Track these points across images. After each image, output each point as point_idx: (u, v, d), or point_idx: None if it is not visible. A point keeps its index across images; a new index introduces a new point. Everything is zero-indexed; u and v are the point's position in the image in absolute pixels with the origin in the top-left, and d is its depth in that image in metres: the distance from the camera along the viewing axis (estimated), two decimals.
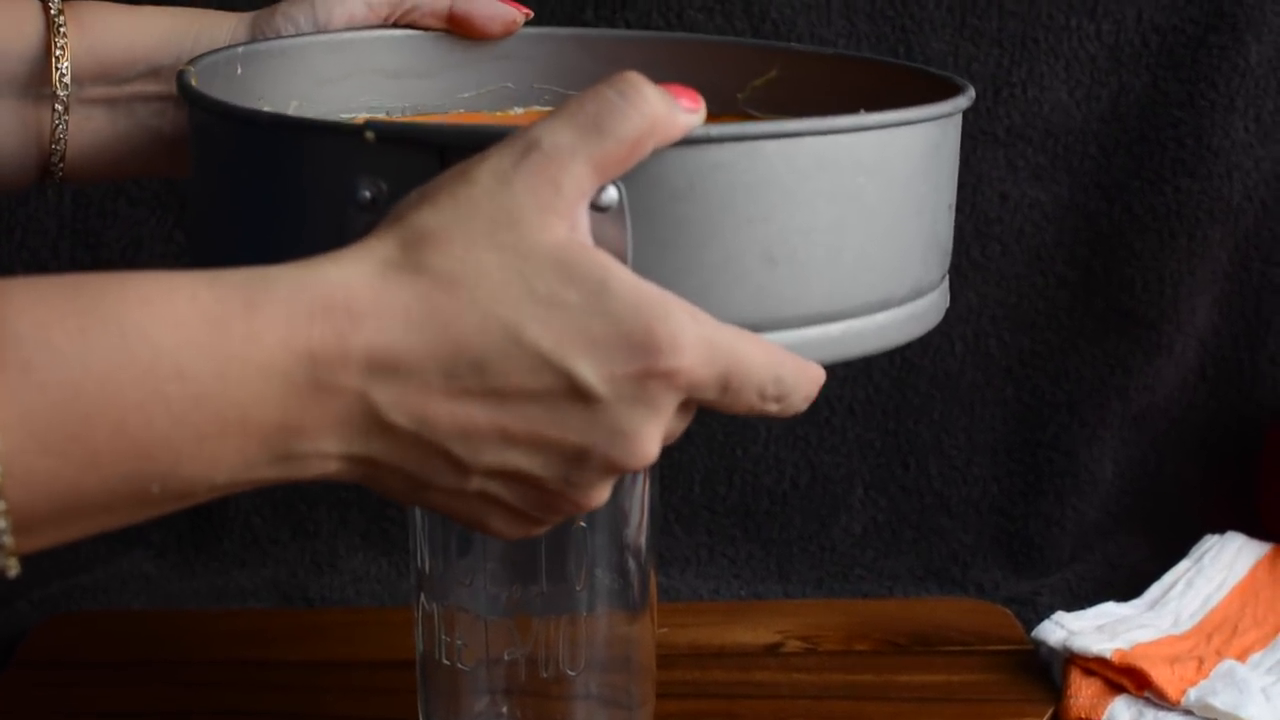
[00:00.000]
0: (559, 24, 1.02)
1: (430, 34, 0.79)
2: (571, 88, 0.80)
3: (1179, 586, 0.96)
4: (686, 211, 0.57)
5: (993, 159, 1.05)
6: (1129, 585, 0.99)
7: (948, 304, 0.70)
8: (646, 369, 0.54)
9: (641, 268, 0.57)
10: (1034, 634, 0.91)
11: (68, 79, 0.74)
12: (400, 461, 0.54)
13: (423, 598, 0.77)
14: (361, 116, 0.79)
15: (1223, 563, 0.98)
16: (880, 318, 0.63)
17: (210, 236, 0.66)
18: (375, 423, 0.53)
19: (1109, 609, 0.94)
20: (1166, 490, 1.09)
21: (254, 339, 0.51)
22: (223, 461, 0.51)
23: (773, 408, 0.58)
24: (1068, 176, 1.06)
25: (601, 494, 0.57)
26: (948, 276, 0.70)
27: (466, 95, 0.80)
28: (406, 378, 0.52)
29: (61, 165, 0.75)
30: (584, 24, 1.03)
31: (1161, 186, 1.05)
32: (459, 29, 0.79)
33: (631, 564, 0.78)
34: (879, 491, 1.08)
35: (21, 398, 0.48)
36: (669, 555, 1.05)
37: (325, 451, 0.53)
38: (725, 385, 0.56)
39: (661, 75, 0.78)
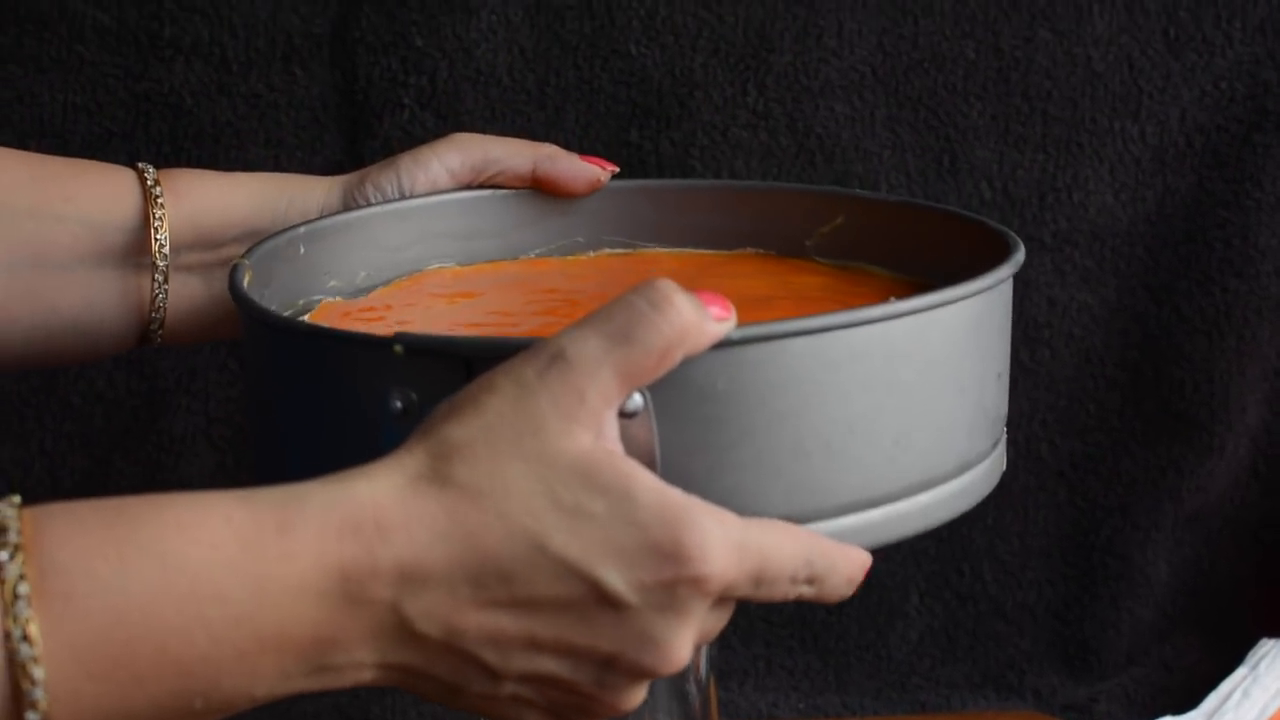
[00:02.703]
0: (602, 146, 1.04)
1: (499, 193, 0.79)
2: (639, 238, 0.81)
3: (1235, 696, 0.97)
4: (715, 412, 0.57)
5: (1040, 264, 1.05)
6: (1185, 688, 1.00)
7: (1003, 468, 0.69)
8: (675, 577, 0.54)
9: (671, 470, 0.56)
10: None
11: (166, 248, 0.74)
12: (433, 669, 0.55)
13: None
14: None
15: (1278, 670, 0.99)
16: (923, 498, 0.62)
17: (260, 432, 0.66)
18: (406, 633, 0.53)
19: None
20: (1221, 591, 1.09)
21: (289, 559, 0.52)
22: (262, 676, 0.52)
23: (806, 591, 0.57)
24: (1115, 279, 1.06)
25: (636, 696, 0.57)
26: (1003, 440, 0.69)
27: (536, 252, 0.81)
28: (435, 589, 0.53)
29: (160, 331, 0.76)
30: (628, 143, 1.04)
31: (1209, 287, 1.05)
32: (545, 189, 0.79)
33: (693, 690, 0.79)
34: (934, 598, 1.08)
35: (66, 626, 0.49)
36: (727, 668, 1.06)
37: (360, 661, 0.54)
38: (758, 581, 0.56)
39: (730, 222, 0.80)
